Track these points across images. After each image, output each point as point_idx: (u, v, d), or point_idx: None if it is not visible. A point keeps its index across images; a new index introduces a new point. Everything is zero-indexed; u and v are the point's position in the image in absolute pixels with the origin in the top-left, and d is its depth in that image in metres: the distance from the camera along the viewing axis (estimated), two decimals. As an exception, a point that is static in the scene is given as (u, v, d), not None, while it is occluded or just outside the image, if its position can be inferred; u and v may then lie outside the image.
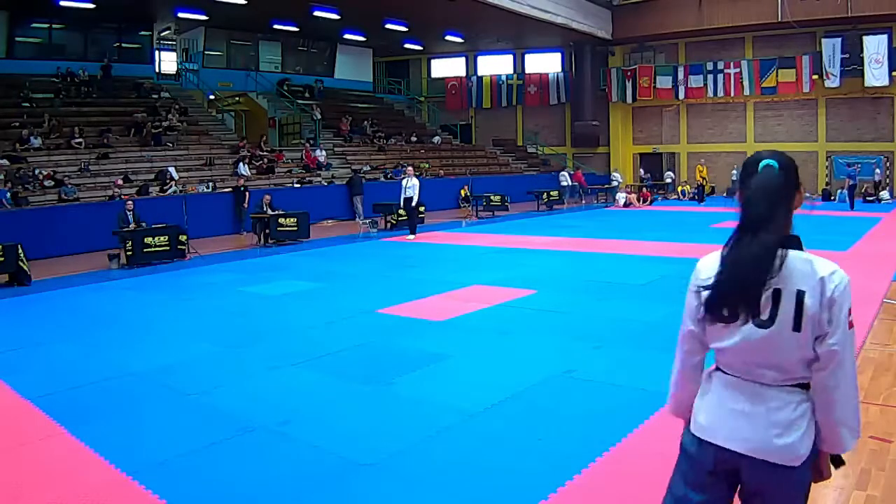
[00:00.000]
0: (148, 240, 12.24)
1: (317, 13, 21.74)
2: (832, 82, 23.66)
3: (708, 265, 1.85)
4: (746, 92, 25.57)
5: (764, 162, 1.80)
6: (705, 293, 1.78)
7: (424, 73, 33.88)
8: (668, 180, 27.79)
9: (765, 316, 1.74)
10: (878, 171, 23.47)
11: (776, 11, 23.51)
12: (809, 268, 1.74)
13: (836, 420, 1.76)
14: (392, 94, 32.64)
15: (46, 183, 15.30)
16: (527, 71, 31.40)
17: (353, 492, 3.48)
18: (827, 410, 1.76)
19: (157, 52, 25.37)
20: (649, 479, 3.48)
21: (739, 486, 1.85)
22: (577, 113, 29.30)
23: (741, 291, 1.72)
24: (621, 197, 23.45)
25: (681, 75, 26.73)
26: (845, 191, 21.57)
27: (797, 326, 1.72)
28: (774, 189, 1.75)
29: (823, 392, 1.75)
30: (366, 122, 26.08)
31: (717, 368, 1.87)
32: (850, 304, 1.75)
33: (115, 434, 4.29)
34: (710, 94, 26.30)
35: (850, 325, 1.74)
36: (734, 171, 25.92)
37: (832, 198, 23.20)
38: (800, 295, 1.72)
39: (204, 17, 22.94)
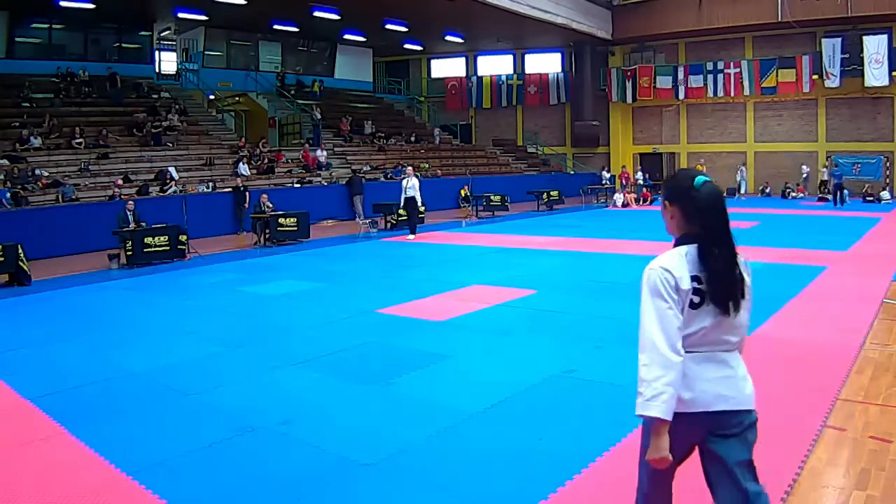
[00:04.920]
0: (148, 240, 12.25)
1: (317, 13, 21.75)
2: (832, 82, 23.66)
3: (675, 264, 2.13)
4: (746, 92, 25.58)
5: (701, 178, 2.16)
6: (707, 291, 2.13)
7: (424, 73, 33.88)
8: None
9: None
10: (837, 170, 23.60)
11: (776, 11, 23.52)
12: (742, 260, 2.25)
13: None
14: (392, 94, 32.63)
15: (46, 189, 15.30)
16: (527, 71, 31.42)
17: (353, 492, 3.48)
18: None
19: (157, 52, 25.38)
20: (649, 479, 3.48)
21: (703, 440, 2.19)
22: (577, 113, 29.32)
23: (733, 292, 2.16)
24: (618, 198, 23.46)
25: (681, 75, 26.75)
26: (846, 190, 21.53)
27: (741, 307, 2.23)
28: (724, 204, 2.15)
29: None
30: (366, 122, 26.09)
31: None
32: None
33: (115, 434, 4.29)
34: (710, 94, 26.32)
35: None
36: (741, 168, 25.88)
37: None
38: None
39: (204, 18, 22.95)
